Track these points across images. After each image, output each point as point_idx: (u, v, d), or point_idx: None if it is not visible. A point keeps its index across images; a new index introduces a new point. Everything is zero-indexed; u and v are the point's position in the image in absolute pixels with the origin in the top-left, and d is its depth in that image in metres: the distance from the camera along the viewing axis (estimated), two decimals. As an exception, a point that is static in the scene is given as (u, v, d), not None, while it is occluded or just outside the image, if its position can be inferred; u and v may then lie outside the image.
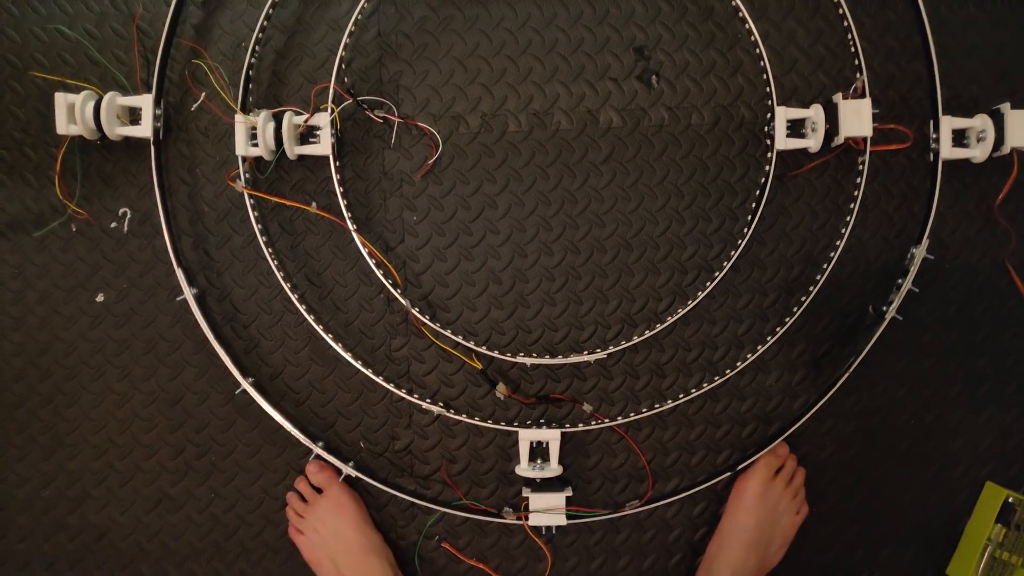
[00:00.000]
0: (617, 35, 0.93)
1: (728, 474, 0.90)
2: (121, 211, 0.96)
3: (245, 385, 0.92)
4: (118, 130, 0.92)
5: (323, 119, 0.91)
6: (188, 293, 0.92)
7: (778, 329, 0.89)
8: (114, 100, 0.92)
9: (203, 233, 0.95)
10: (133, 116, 0.94)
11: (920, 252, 0.88)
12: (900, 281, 0.88)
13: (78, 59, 0.96)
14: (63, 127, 0.92)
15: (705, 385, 0.90)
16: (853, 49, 0.89)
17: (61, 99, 0.91)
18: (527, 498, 0.90)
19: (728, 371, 0.90)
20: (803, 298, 0.89)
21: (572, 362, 0.91)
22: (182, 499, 0.95)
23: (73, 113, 0.91)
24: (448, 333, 0.92)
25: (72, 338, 0.96)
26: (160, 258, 0.95)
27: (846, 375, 0.88)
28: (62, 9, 0.96)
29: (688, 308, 0.90)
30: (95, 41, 0.96)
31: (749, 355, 0.89)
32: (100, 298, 0.96)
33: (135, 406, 0.95)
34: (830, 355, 0.91)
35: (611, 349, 0.91)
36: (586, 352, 0.91)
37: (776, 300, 0.92)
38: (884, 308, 0.88)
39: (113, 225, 0.96)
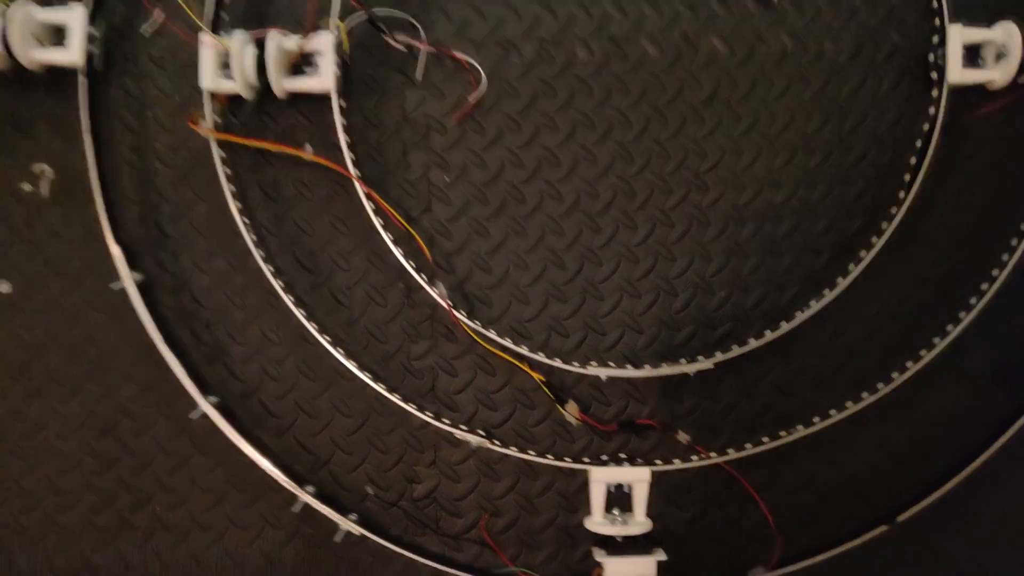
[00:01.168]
0: (719, -62, 0.72)
1: (884, 527, 0.67)
2: (38, 168, 0.72)
3: (205, 407, 0.67)
4: (36, 54, 0.69)
5: (325, 41, 0.68)
6: (128, 279, 0.68)
7: (949, 327, 0.67)
8: (30, 13, 0.68)
9: (154, 200, 0.72)
10: (57, 37, 0.71)
11: None
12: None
13: (-12, -37, 0.74)
14: (-42, 49, 0.69)
15: (849, 405, 0.67)
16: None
17: (-46, 10, 0.68)
18: (600, 564, 0.66)
19: (880, 385, 0.67)
20: (984, 285, 0.68)
21: (664, 374, 0.68)
22: (112, 569, 0.70)
23: (-29, 30, 0.68)
24: (492, 334, 0.69)
25: (-36, 343, 0.71)
26: (92, 234, 0.71)
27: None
28: None
29: (824, 301, 0.67)
30: (12, -61, 0.74)
31: (909, 363, 0.67)
32: (5, 288, 0.71)
33: (50, 437, 0.70)
34: (1019, 367, 0.70)
35: (718, 357, 0.68)
36: (683, 361, 0.69)
37: (945, 291, 0.70)
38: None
39: (27, 188, 0.72)
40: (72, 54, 0.69)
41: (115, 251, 0.68)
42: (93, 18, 0.69)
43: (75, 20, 0.69)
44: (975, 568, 0.71)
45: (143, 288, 0.68)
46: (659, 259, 0.71)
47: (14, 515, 0.70)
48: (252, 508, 0.70)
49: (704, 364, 0.68)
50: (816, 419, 0.67)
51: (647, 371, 0.68)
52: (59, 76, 0.71)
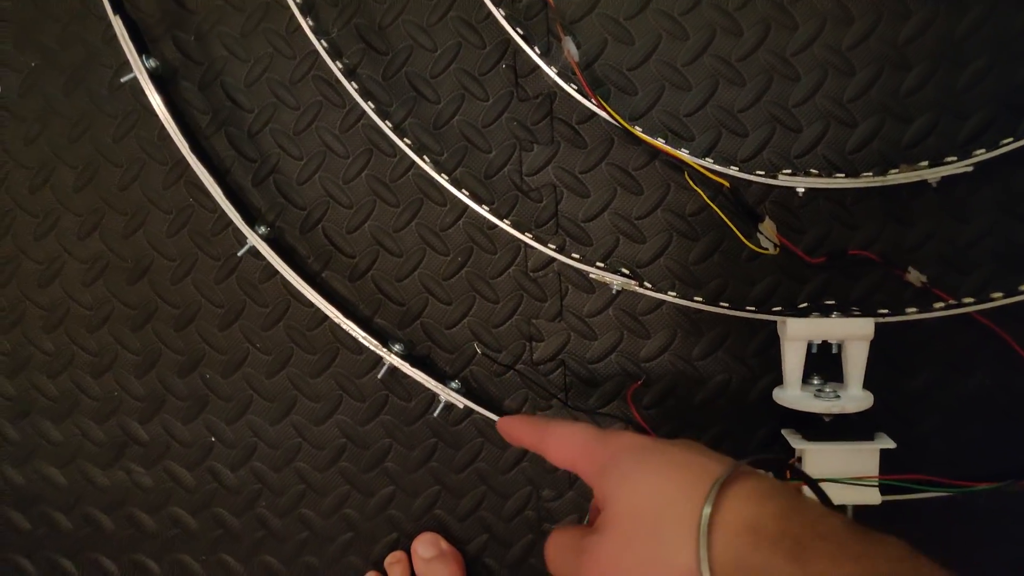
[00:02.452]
0: None
1: None
2: (18, -77, 0.55)
3: (254, 239, 0.51)
4: None
5: None
6: (139, 68, 0.51)
7: None
8: None
9: (168, -39, 0.54)
10: None
11: None
12: None
13: None
14: None
15: None
16: None
17: None
18: (799, 451, 0.49)
19: None
20: None
21: (889, 183, 0.48)
22: (159, 444, 0.57)
23: None
24: (638, 131, 0.49)
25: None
26: (93, 9, 0.54)
27: None
28: None
29: None
30: None
31: None
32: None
33: (71, 283, 0.56)
34: None
35: (979, 156, 0.47)
36: (923, 164, 0.48)
37: None
38: None
39: (8, -47, 0.55)
40: None
41: (118, 26, 0.50)
42: None
43: None
44: None
45: (160, 80, 0.52)
46: (883, 14, 0.48)
47: (38, 379, 0.57)
48: (326, 374, 0.55)
49: (956, 167, 0.47)
50: None
51: (867, 179, 0.48)
52: None
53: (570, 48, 0.46)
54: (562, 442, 0.38)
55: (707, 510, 0.30)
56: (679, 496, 0.31)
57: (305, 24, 0.50)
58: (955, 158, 0.47)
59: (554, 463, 0.38)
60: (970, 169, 0.46)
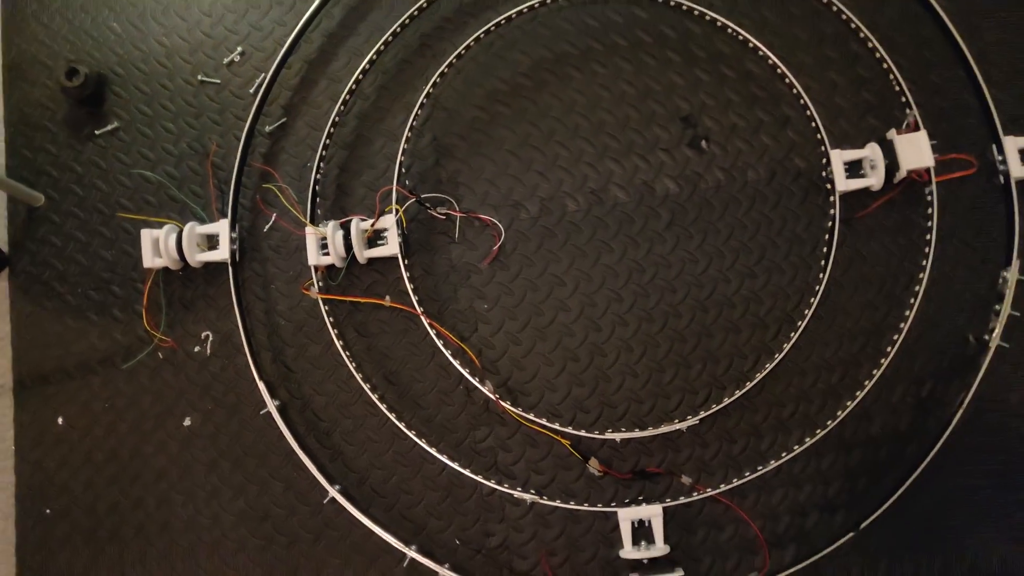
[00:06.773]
0: (662, 108, 0.99)
1: (851, 535, 0.86)
2: (203, 334, 1.02)
3: (333, 493, 0.93)
4: (198, 257, 1.00)
5: (389, 220, 0.97)
6: (271, 405, 0.96)
7: (874, 372, 0.88)
8: (194, 229, 1.01)
9: (280, 346, 1.00)
10: (211, 243, 1.03)
11: (1013, 274, 0.88)
12: (998, 307, 0.88)
13: (159, 199, 1.07)
14: (148, 260, 1.01)
15: (807, 440, 0.88)
16: (898, 88, 0.93)
17: (147, 235, 1.01)
18: (635, 586, 0.88)
19: (829, 422, 0.88)
20: (895, 336, 0.89)
21: (663, 432, 0.91)
22: (276, 622, 0.95)
23: (158, 246, 1.00)
24: (532, 416, 0.93)
25: (162, 465, 1.00)
26: (242, 375, 1.00)
27: (960, 412, 0.85)
28: (144, 156, 1.07)
29: (775, 362, 0.90)
30: (174, 180, 1.06)
31: (848, 403, 0.88)
32: (188, 422, 1.00)
33: (224, 528, 0.97)
34: (934, 395, 0.89)
35: (703, 414, 0.90)
36: (677, 421, 0.91)
37: (866, 344, 0.92)
38: (987, 336, 0.87)
39: (196, 349, 1.02)
40: (223, 253, 1.00)
41: (261, 386, 0.96)
42: (233, 225, 1.01)
43: (223, 230, 1.01)
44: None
45: (280, 411, 0.96)
46: (648, 347, 0.95)
47: (203, 589, 0.96)
48: (373, 567, 0.94)
49: (692, 421, 0.90)
50: (784, 454, 0.88)
51: (650, 431, 0.91)
52: (212, 269, 1.03)
53: (490, 387, 0.91)
54: None
55: None
56: None
57: (356, 376, 0.95)
58: (690, 416, 0.90)
59: None
60: (698, 421, 0.89)
